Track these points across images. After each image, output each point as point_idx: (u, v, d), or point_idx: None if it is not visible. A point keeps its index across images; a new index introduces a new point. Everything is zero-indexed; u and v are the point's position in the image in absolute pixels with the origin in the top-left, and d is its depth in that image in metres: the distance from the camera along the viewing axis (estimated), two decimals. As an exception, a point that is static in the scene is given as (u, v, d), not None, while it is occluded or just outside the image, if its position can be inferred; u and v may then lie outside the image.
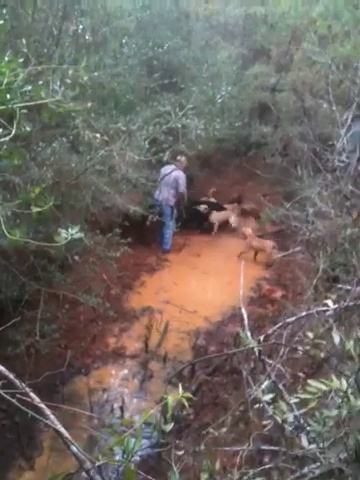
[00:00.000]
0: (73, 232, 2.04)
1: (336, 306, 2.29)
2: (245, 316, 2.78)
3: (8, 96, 2.13)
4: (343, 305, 2.44)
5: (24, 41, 2.92)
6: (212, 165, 10.16)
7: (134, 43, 6.00)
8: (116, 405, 4.97)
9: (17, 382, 1.72)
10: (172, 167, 8.43)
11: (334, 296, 2.67)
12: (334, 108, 5.69)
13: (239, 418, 3.63)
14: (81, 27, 5.31)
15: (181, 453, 1.98)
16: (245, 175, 10.47)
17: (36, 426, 4.58)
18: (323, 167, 5.23)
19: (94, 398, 5.02)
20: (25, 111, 2.35)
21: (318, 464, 1.92)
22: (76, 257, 4.93)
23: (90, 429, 4.22)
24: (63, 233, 2.03)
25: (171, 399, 1.62)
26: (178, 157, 8.24)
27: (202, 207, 9.33)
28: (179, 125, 4.91)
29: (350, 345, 1.96)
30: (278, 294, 6.66)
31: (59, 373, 5.08)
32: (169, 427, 1.89)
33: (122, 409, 4.87)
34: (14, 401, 1.60)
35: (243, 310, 2.84)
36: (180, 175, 8.53)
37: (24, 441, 4.40)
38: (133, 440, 1.64)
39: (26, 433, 4.46)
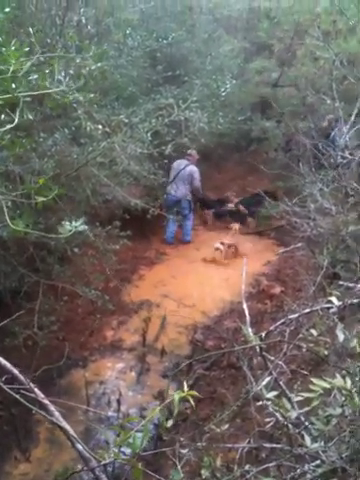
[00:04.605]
0: (77, 224, 2.01)
1: (340, 303, 2.27)
2: (246, 312, 2.75)
3: (13, 85, 2.09)
4: (347, 302, 2.42)
5: (31, 30, 2.87)
6: (212, 159, 10.12)
7: (138, 35, 5.93)
8: (113, 398, 4.95)
9: (22, 378, 1.69)
10: (185, 162, 8.50)
11: (336, 293, 2.66)
12: (337, 104, 5.66)
13: (236, 413, 3.63)
14: (84, 18, 5.26)
15: (185, 451, 1.96)
16: (245, 170, 10.46)
17: (33, 418, 4.57)
18: (325, 163, 5.20)
19: (91, 391, 5.01)
20: (28, 100, 2.31)
21: (318, 462, 1.91)
22: (75, 249, 4.91)
23: (88, 422, 4.21)
24: (67, 225, 2.00)
25: (177, 396, 1.59)
26: (189, 151, 8.29)
27: (241, 207, 9.42)
28: (182, 118, 4.87)
29: (355, 343, 1.94)
30: (277, 290, 6.62)
31: (56, 365, 5.08)
32: (170, 423, 1.88)
33: (119, 402, 4.86)
34: (18, 397, 1.58)
35: (244, 306, 2.82)
36: (194, 169, 8.57)
37: (20, 433, 4.39)
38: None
39: (23, 425, 4.44)
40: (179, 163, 8.45)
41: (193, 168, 8.56)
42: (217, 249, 8.05)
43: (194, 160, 8.65)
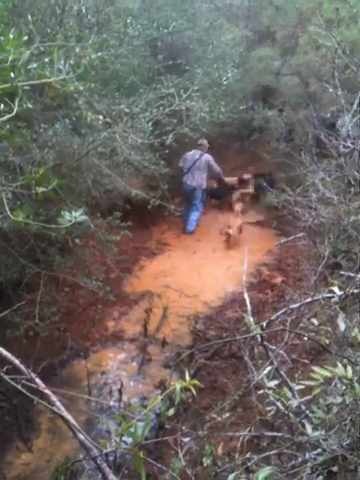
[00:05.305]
0: (77, 215, 2.01)
1: (342, 293, 2.27)
2: (248, 302, 2.75)
3: (12, 74, 2.07)
4: (349, 292, 2.42)
5: (30, 17, 2.84)
6: (214, 149, 10.07)
7: (138, 24, 5.88)
8: (114, 388, 4.97)
9: (23, 368, 1.69)
10: (199, 152, 8.66)
11: (338, 283, 2.65)
12: (340, 93, 5.61)
13: (237, 402, 3.64)
14: (84, 7, 5.20)
15: (187, 440, 1.97)
16: (247, 159, 10.41)
17: (34, 408, 4.59)
18: (327, 153, 5.17)
19: (93, 381, 5.03)
20: (28, 89, 2.30)
21: (319, 450, 1.91)
22: (76, 240, 4.90)
23: (89, 412, 4.22)
24: (67, 215, 2.00)
25: (179, 386, 1.59)
26: (200, 141, 8.35)
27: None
28: (183, 108, 4.84)
29: (356, 332, 1.94)
30: (278, 280, 6.63)
31: (58, 356, 5.10)
32: (171, 412, 1.88)
33: (120, 392, 4.88)
34: (19, 387, 1.58)
35: (246, 296, 2.82)
36: (210, 158, 8.77)
37: (22, 423, 4.40)
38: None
39: (24, 415, 4.47)
40: (193, 154, 8.63)
41: (208, 156, 8.75)
42: (227, 234, 8.11)
43: (205, 149, 8.79)
